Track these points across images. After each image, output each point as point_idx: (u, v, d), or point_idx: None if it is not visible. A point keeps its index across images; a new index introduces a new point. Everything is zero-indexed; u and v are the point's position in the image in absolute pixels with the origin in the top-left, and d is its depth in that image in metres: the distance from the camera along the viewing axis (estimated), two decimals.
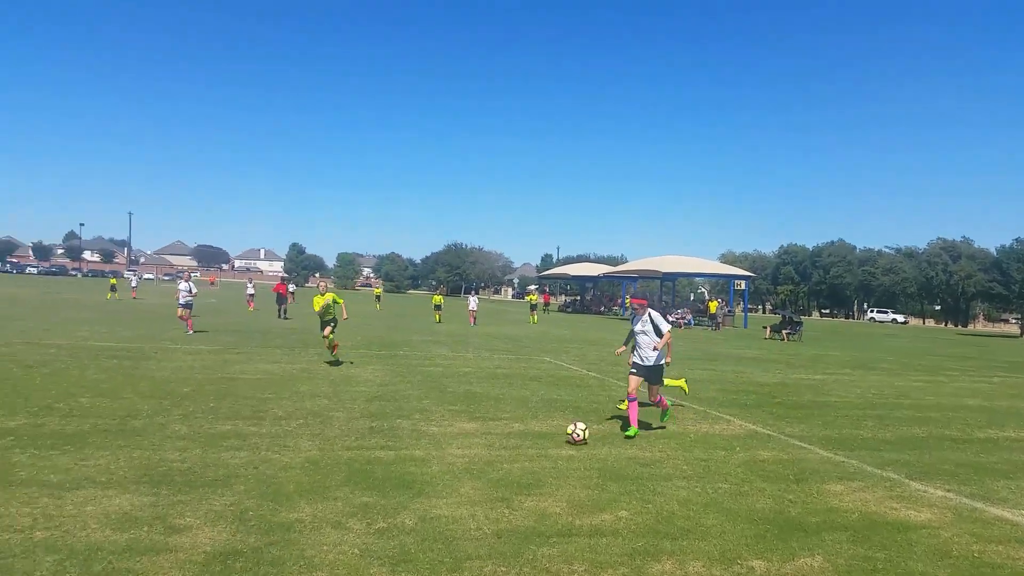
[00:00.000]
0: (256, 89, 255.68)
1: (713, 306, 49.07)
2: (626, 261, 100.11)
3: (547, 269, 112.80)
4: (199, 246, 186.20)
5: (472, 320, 35.92)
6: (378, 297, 57.58)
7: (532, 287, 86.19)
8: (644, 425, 10.29)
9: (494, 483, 7.04)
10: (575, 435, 8.97)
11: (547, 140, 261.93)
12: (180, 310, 22.43)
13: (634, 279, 60.58)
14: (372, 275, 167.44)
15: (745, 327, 51.00)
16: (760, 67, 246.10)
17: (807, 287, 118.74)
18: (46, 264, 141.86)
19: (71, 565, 4.61)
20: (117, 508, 5.71)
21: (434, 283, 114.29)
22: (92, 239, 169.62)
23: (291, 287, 42.27)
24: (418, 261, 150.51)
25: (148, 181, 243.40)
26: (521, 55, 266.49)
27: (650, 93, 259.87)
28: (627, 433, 9.58)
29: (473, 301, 37.00)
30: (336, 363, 15.99)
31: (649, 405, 11.06)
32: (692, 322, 47.12)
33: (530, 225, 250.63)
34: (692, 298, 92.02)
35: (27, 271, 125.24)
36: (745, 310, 57.16)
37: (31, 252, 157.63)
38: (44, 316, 26.77)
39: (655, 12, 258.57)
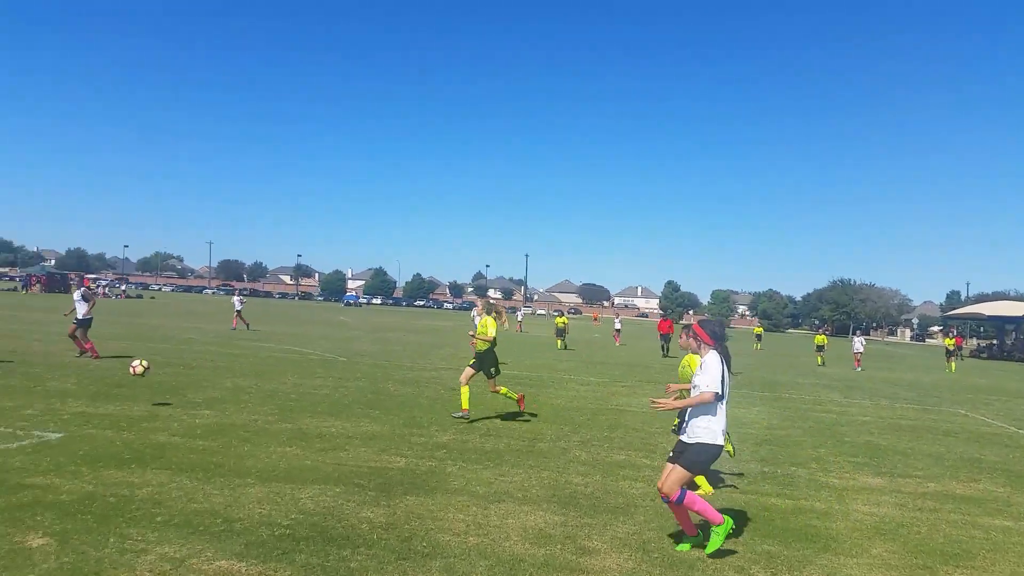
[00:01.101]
0: (626, 133, 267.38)
1: None
2: None
3: (953, 308, 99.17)
4: (584, 284, 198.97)
5: (856, 363, 32.90)
6: (758, 336, 55.80)
7: (936, 328, 76.40)
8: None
9: (912, 548, 6.28)
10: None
11: (947, 162, 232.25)
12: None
13: None
14: (748, 313, 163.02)
15: None
16: None
17: None
18: (459, 300, 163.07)
19: (499, 572, 5.12)
20: (533, 524, 6.24)
21: (817, 322, 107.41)
22: (495, 279, 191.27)
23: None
24: (798, 298, 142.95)
25: (543, 226, 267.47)
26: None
27: None
28: (678, 547, 5.90)
29: (858, 342, 33.88)
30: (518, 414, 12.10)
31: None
32: None
33: (932, 259, 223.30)
34: None
35: (444, 306, 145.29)
36: None
37: (448, 290, 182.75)
38: (461, 344, 30.67)
39: None
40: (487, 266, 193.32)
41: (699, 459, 5.76)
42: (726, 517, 5.74)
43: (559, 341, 33.51)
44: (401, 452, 8.72)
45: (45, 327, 25.26)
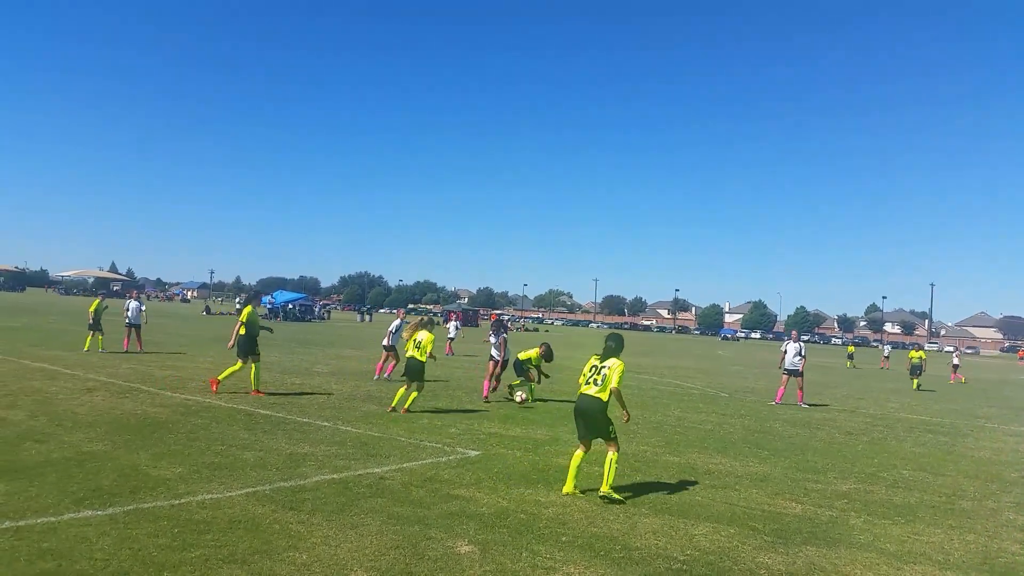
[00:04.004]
0: None
1: None
2: None
3: None
4: (1005, 317, 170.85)
5: None
6: None
7: None
8: None
9: None
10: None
11: None
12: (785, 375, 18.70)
13: None
14: None
15: None
16: None
17: None
18: (850, 336, 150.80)
19: None
20: None
21: None
22: (893, 311, 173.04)
23: None
24: None
25: (951, 252, 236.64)
26: None
27: None
28: None
29: None
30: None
31: None
32: None
33: None
34: None
35: (832, 341, 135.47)
36: None
37: (836, 324, 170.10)
38: (854, 384, 28.25)
39: None
40: (884, 297, 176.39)
41: None
42: None
43: (914, 380, 28.20)
44: (797, 498, 8.24)
45: (463, 359, 28.97)
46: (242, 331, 13.82)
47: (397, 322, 18.40)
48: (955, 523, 7.52)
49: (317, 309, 76.80)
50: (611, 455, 7.62)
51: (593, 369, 7.86)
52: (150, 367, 17.61)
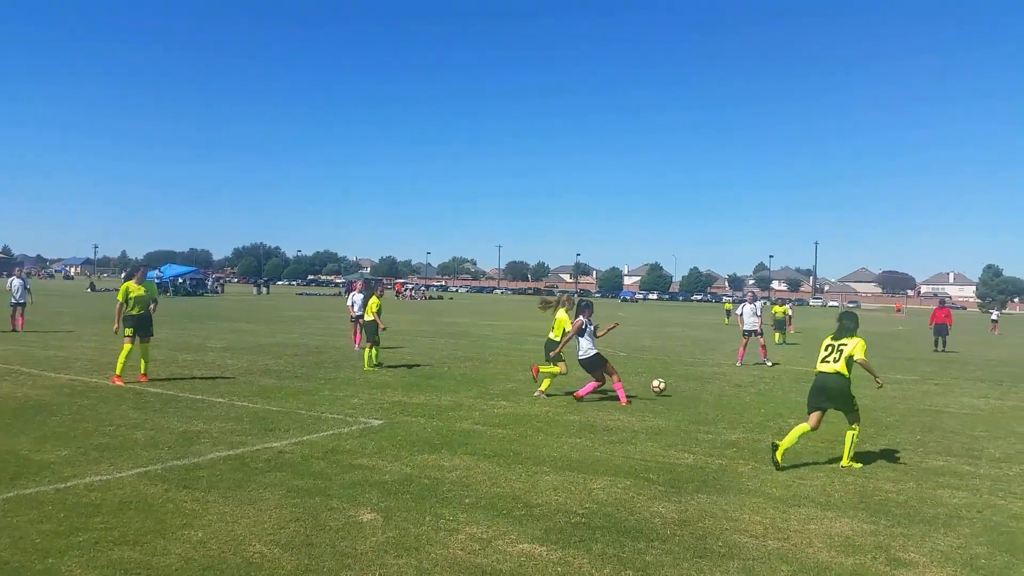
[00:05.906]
0: None
1: None
2: None
3: None
4: (884, 272, 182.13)
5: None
6: None
7: None
8: None
9: None
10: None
11: None
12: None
13: None
14: None
15: None
16: None
17: None
18: (739, 293, 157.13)
19: None
20: (839, 531, 5.80)
21: None
22: (780, 269, 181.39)
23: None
24: None
25: (835, 210, 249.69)
26: None
27: None
28: None
29: None
30: None
31: None
32: None
33: None
34: None
35: (723, 300, 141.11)
36: None
37: (727, 283, 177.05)
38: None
39: None
40: (770, 256, 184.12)
41: None
42: None
43: (777, 335, 28.16)
44: (689, 448, 8.59)
45: None
46: (133, 311, 12.08)
47: (354, 294, 19.02)
48: (836, 466, 8.01)
49: (210, 283, 74.14)
50: (852, 432, 7.90)
51: (829, 348, 7.96)
52: (31, 347, 16.64)
